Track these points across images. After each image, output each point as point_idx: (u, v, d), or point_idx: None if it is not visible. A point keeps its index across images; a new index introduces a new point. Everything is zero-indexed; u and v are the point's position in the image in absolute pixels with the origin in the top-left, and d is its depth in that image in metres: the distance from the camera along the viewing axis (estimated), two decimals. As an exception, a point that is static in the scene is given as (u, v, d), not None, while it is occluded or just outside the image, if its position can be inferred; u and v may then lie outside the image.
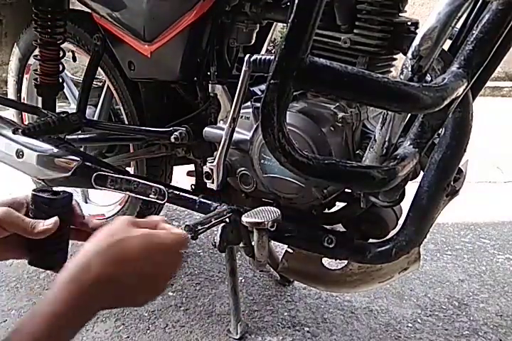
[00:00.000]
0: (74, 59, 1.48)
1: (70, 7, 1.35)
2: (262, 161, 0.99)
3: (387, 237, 0.95)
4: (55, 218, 0.64)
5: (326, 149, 0.92)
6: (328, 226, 1.04)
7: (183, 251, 0.60)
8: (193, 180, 1.24)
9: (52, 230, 0.63)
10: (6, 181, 1.95)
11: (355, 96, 0.67)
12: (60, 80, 1.40)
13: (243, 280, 1.47)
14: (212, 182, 1.03)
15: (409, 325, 1.31)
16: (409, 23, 0.91)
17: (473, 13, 0.85)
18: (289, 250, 1.09)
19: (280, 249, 1.54)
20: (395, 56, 0.98)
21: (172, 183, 1.41)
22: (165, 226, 0.61)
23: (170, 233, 0.58)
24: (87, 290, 0.52)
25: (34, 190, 0.66)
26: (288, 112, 0.71)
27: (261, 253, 0.94)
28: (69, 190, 0.77)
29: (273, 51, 2.02)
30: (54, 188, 0.71)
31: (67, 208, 0.68)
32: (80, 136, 1.36)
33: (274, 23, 1.23)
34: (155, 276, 0.57)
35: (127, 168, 1.45)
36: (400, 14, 0.93)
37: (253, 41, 1.13)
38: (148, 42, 1.13)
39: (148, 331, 1.25)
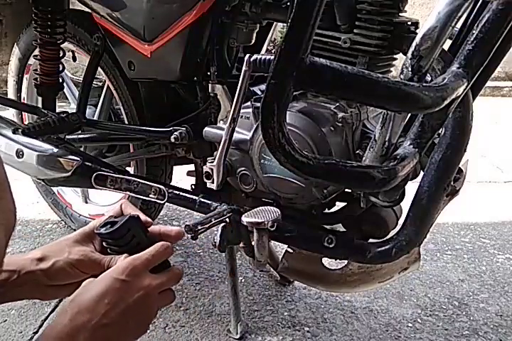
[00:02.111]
0: (74, 59, 1.48)
1: (70, 7, 1.35)
2: (262, 161, 0.99)
3: (387, 237, 0.95)
4: (124, 255, 0.63)
5: (326, 149, 0.92)
6: (328, 226, 1.04)
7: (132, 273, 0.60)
8: (193, 180, 1.24)
9: None
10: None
11: (355, 96, 0.67)
12: (60, 80, 1.40)
13: (243, 280, 1.47)
14: (212, 182, 1.03)
15: (409, 324, 1.31)
16: (409, 23, 0.91)
17: (473, 13, 0.85)
18: (289, 250, 1.09)
19: (280, 248, 1.54)
20: (395, 56, 0.98)
21: (172, 183, 1.41)
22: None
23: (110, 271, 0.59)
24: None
25: (96, 229, 0.65)
26: (288, 112, 0.71)
27: (261, 253, 0.94)
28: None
29: (273, 51, 2.02)
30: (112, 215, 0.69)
31: (135, 229, 0.65)
32: (79, 136, 1.36)
33: (274, 23, 1.23)
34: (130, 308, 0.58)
35: (127, 168, 1.45)
36: (400, 14, 0.93)
37: (253, 41, 1.13)
38: (149, 42, 1.13)
39: (148, 331, 1.25)
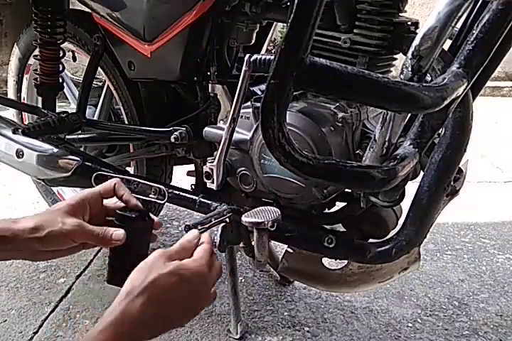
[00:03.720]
0: (74, 59, 1.48)
1: (70, 7, 1.35)
2: (262, 161, 0.99)
3: (387, 237, 0.95)
4: (122, 231, 0.69)
5: (326, 149, 0.92)
6: (328, 226, 1.04)
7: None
8: (193, 180, 1.24)
9: (122, 241, 0.69)
10: (5, 181, 1.95)
11: (355, 96, 0.67)
12: (60, 80, 1.40)
13: (243, 280, 1.47)
14: (212, 182, 1.03)
15: (409, 324, 1.31)
16: (409, 23, 0.91)
17: (473, 13, 0.85)
18: (289, 250, 1.09)
19: (280, 248, 1.54)
20: (395, 56, 0.98)
21: (172, 183, 1.41)
22: (199, 252, 0.65)
23: (196, 263, 0.63)
24: (132, 332, 0.56)
25: (120, 209, 0.73)
26: (288, 112, 0.71)
27: (261, 253, 0.94)
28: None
29: (273, 51, 2.02)
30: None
31: (146, 229, 0.73)
32: (79, 136, 1.36)
33: (274, 23, 1.23)
34: (190, 304, 0.62)
35: (127, 168, 1.45)
36: (400, 14, 0.93)
37: (253, 41, 1.13)
38: (149, 42, 1.13)
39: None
